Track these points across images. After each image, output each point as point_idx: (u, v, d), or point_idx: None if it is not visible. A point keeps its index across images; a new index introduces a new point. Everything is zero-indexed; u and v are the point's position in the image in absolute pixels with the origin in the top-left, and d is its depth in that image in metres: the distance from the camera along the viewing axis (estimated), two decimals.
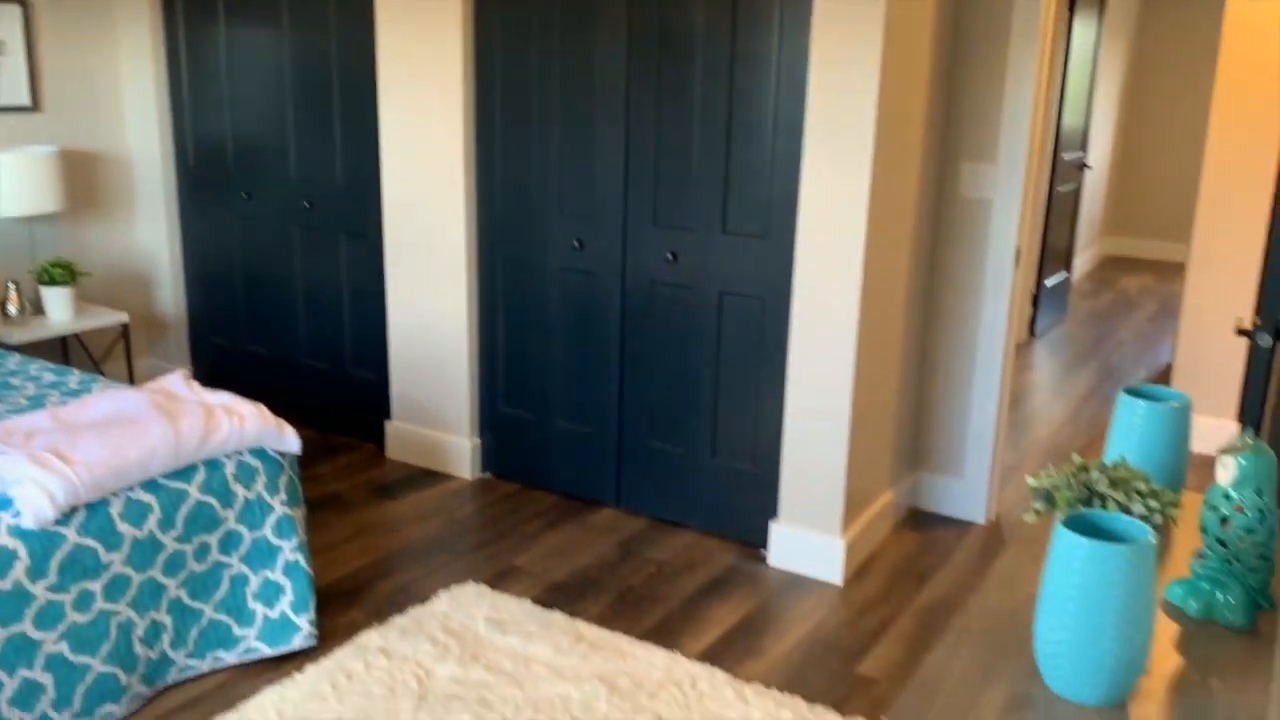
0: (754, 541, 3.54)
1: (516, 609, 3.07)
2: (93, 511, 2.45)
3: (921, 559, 3.52)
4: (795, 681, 2.79)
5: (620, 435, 3.75)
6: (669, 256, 3.48)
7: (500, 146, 3.76)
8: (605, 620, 3.07)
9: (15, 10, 4.29)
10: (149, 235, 4.81)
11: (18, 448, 2.55)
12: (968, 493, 3.81)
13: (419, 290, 4.00)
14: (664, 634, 3.01)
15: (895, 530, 3.73)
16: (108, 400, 2.90)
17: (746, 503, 3.54)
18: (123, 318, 4.37)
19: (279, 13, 4.22)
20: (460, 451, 4.06)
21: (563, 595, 3.20)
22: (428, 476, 4.07)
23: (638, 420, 3.70)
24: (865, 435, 3.38)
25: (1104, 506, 1.62)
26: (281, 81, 4.28)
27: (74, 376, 3.31)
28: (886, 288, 3.34)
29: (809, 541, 3.35)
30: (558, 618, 3.03)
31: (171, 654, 2.65)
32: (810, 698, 2.72)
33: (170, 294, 4.84)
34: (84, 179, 4.59)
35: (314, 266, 4.38)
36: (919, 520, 3.82)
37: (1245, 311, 4.38)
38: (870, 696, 2.73)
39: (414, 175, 3.90)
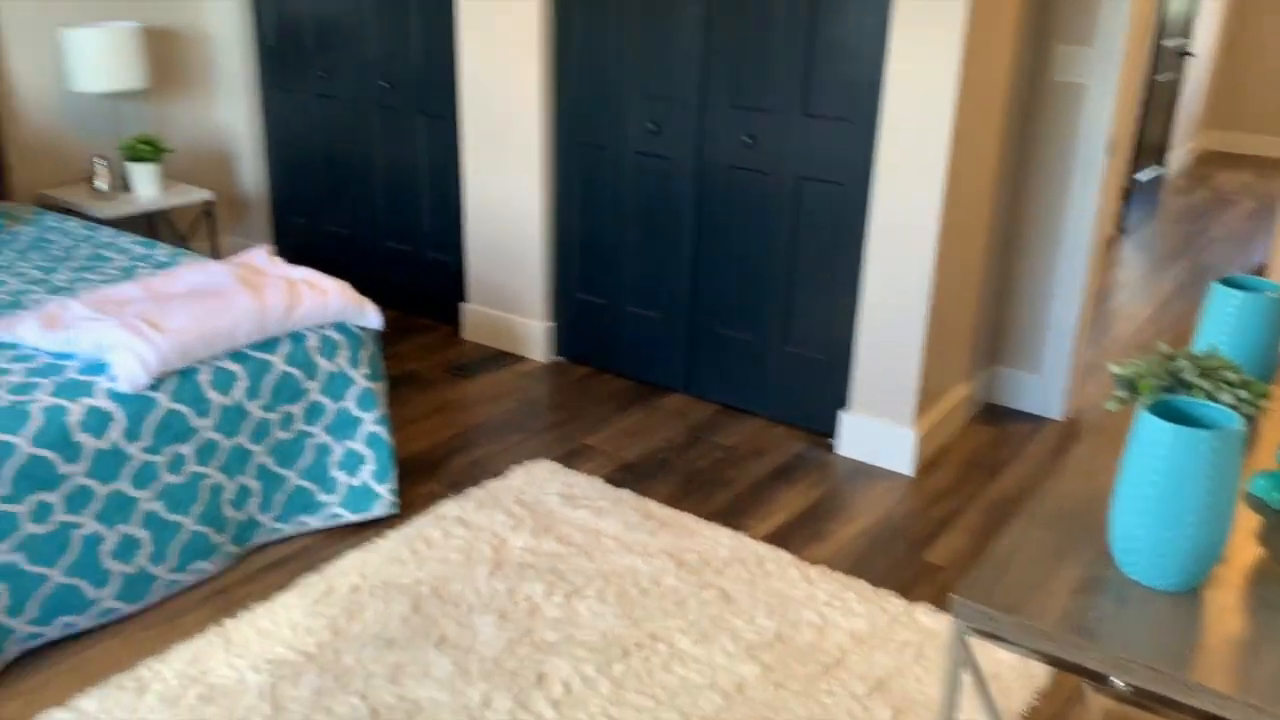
0: (822, 430, 3.55)
1: (587, 486, 3.13)
2: (183, 378, 2.54)
3: (994, 453, 3.50)
4: (861, 566, 2.83)
5: (692, 322, 3.75)
6: (747, 139, 3.41)
7: (577, 23, 3.69)
8: (673, 500, 3.12)
9: None
10: (230, 114, 4.85)
11: (111, 315, 2.64)
12: (1046, 388, 3.76)
13: (494, 173, 4.00)
14: (731, 516, 3.05)
15: (969, 424, 3.70)
16: (194, 273, 2.97)
17: (816, 392, 3.53)
18: (207, 195, 4.45)
19: None
20: (534, 335, 4.10)
21: (632, 475, 3.26)
22: (502, 358, 4.13)
23: (710, 307, 3.69)
24: (942, 327, 3.33)
25: (1190, 396, 1.58)
26: None
27: (161, 250, 3.40)
28: (972, 175, 3.24)
29: (879, 432, 3.35)
30: (627, 496, 3.09)
31: (259, 517, 2.77)
32: (875, 581, 2.75)
33: (252, 173, 4.91)
34: (165, 56, 4.62)
35: (393, 148, 4.39)
36: (994, 415, 3.78)
37: None
38: (936, 583, 2.75)
39: (490, 55, 3.86)
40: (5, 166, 4.11)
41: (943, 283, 3.24)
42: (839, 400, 3.49)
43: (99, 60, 4.12)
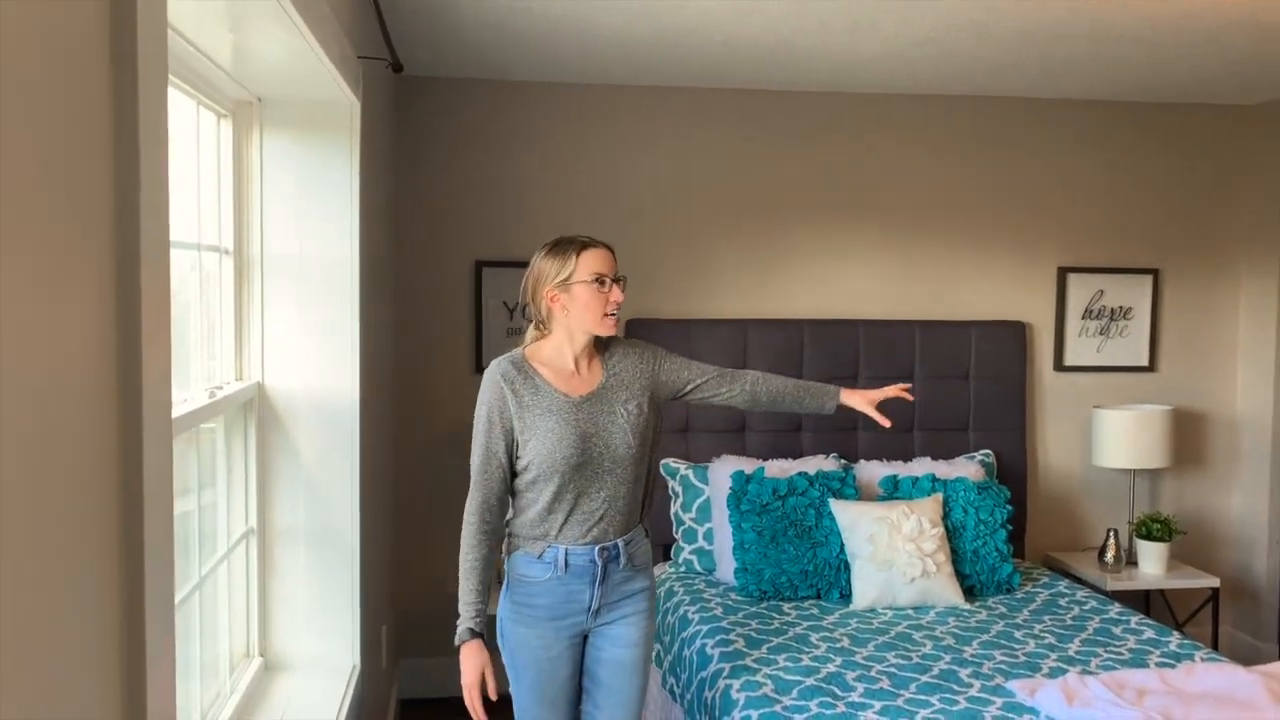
0: None
1: None
2: None
3: None
4: None
5: None
6: None
7: None
8: None
9: (1147, 280, 4.62)
10: (1247, 500, 4.62)
11: (1130, 703, 2.58)
12: None
13: None
14: None
15: None
16: (1216, 675, 2.77)
17: None
18: (1213, 582, 4.23)
19: None
20: None
21: None
22: None
23: None
24: None
25: None
26: None
27: (1174, 639, 3.26)
28: None
29: None
30: None
31: None
32: None
33: (1263, 565, 4.54)
34: (1189, 438, 4.64)
35: None
36: None
37: None
38: None
39: None
40: (1024, 528, 4.46)
41: None
42: None
43: (1126, 439, 4.31)
